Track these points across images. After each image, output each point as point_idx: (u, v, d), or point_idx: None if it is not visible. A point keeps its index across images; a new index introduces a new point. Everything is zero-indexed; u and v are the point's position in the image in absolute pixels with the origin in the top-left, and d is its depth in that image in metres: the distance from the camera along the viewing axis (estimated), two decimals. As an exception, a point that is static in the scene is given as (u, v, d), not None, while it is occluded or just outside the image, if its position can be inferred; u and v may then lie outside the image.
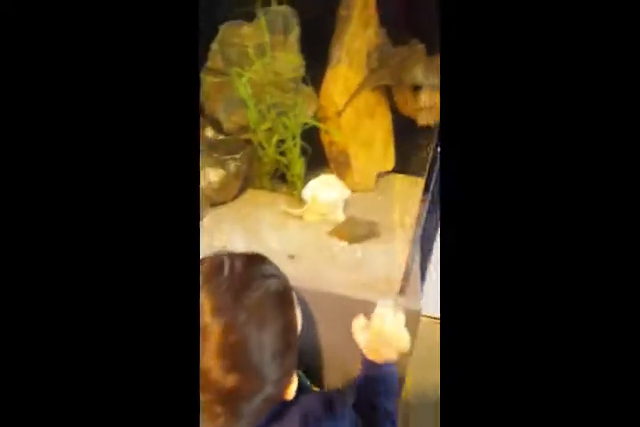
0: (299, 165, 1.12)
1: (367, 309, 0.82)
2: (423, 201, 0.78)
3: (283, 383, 0.54)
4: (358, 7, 1.08)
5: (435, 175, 0.75)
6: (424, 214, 0.80)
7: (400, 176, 1.45)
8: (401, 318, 0.77)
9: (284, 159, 1.12)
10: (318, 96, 1.14)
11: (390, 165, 1.38)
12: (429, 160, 0.72)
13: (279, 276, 0.59)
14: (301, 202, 1.21)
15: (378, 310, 0.78)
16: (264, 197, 1.24)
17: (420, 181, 1.45)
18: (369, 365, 0.75)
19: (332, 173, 1.34)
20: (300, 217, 1.16)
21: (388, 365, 0.75)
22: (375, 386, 0.74)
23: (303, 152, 1.12)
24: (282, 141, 1.10)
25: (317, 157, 1.22)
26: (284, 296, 0.57)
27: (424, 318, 0.92)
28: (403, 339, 0.76)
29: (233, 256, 0.57)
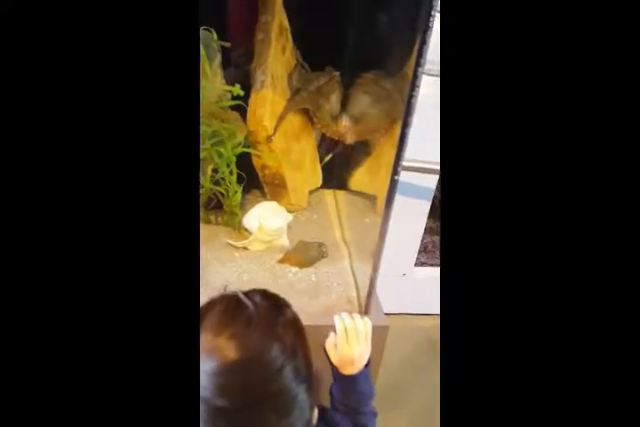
0: (237, 194, 1.07)
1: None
2: (385, 219, 0.79)
3: (312, 409, 0.53)
4: (275, 31, 1.07)
5: (394, 194, 0.76)
6: (386, 232, 0.81)
7: (328, 191, 1.47)
8: (359, 322, 0.76)
9: (220, 189, 1.07)
10: (245, 121, 1.10)
11: (318, 181, 1.39)
12: (389, 181, 0.74)
13: (288, 304, 0.57)
14: (241, 231, 1.16)
15: (336, 322, 0.77)
16: (201, 230, 1.16)
17: (349, 194, 1.50)
18: (345, 380, 0.74)
19: (264, 196, 1.31)
20: (245, 248, 1.11)
21: (360, 372, 0.74)
22: (355, 396, 0.73)
23: (239, 180, 1.08)
24: (214, 171, 1.05)
25: (248, 182, 1.18)
26: (299, 323, 0.56)
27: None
28: (368, 342, 0.75)
29: (245, 293, 0.54)
